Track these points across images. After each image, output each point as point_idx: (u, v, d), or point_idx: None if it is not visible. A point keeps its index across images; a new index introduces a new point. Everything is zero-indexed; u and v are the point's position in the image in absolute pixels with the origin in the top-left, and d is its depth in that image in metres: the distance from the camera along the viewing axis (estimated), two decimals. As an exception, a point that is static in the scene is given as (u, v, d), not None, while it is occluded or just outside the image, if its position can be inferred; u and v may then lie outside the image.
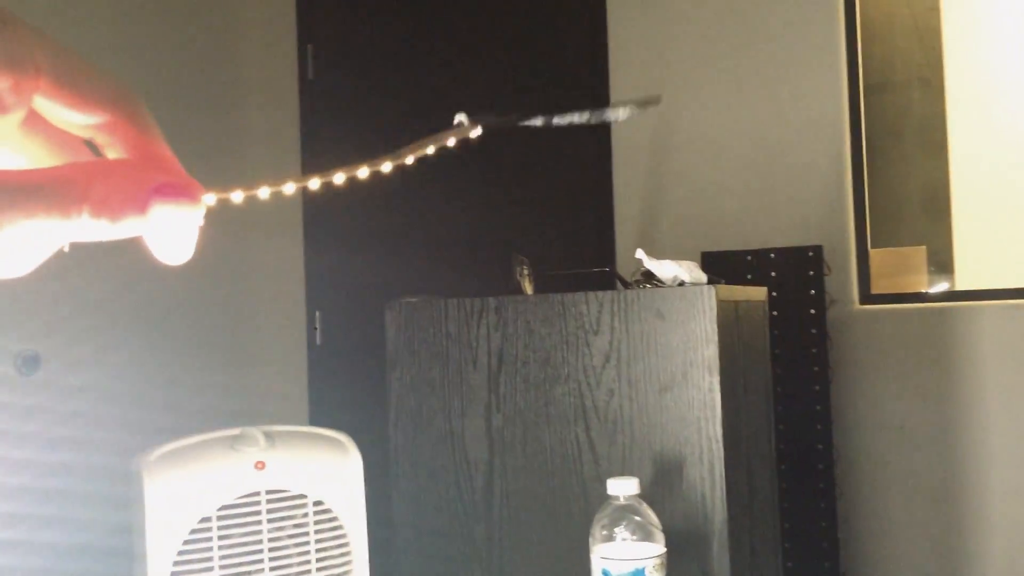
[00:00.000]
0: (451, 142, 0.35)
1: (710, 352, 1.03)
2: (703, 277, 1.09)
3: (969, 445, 1.40)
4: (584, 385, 1.11)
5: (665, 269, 1.11)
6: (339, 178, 0.30)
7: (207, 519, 0.99)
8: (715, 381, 1.03)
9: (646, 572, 0.93)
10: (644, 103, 0.39)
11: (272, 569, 1.02)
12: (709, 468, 1.03)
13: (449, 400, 1.20)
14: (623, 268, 1.32)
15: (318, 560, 1.05)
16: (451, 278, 1.22)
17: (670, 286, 1.09)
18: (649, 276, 1.15)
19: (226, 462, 1.02)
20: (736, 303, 1.11)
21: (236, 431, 1.06)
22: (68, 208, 0.25)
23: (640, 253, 1.11)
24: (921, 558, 1.43)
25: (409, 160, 0.34)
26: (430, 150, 0.36)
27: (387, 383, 1.24)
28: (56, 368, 1.20)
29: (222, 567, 0.99)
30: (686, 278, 1.10)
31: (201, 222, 0.26)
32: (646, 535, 0.94)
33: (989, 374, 1.38)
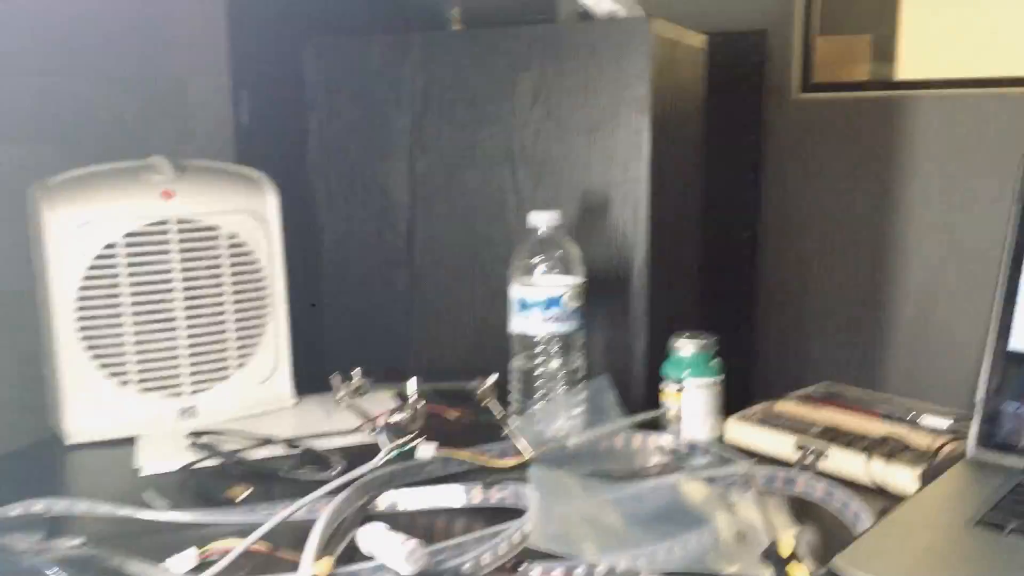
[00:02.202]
0: None
1: (642, 90, 1.00)
2: (641, 12, 1.04)
3: (890, 234, 1.43)
4: (511, 126, 1.07)
5: (601, 5, 1.05)
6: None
7: (112, 245, 0.95)
8: (644, 121, 1.00)
9: (562, 300, 0.93)
10: None
11: (186, 299, 0.99)
12: (633, 209, 1.02)
13: (372, 142, 1.15)
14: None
15: (235, 295, 1.02)
16: (375, 15, 1.14)
17: (605, 21, 1.04)
18: (586, 17, 1.09)
19: (131, 190, 0.97)
20: (673, 44, 1.06)
21: (142, 161, 1.00)
22: None
23: (575, -17, 1.05)
24: (836, 338, 1.49)
25: None
26: None
27: (308, 126, 1.18)
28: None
29: (133, 295, 0.96)
30: (623, 14, 1.04)
31: None
32: (566, 267, 0.94)
33: (920, 163, 1.38)
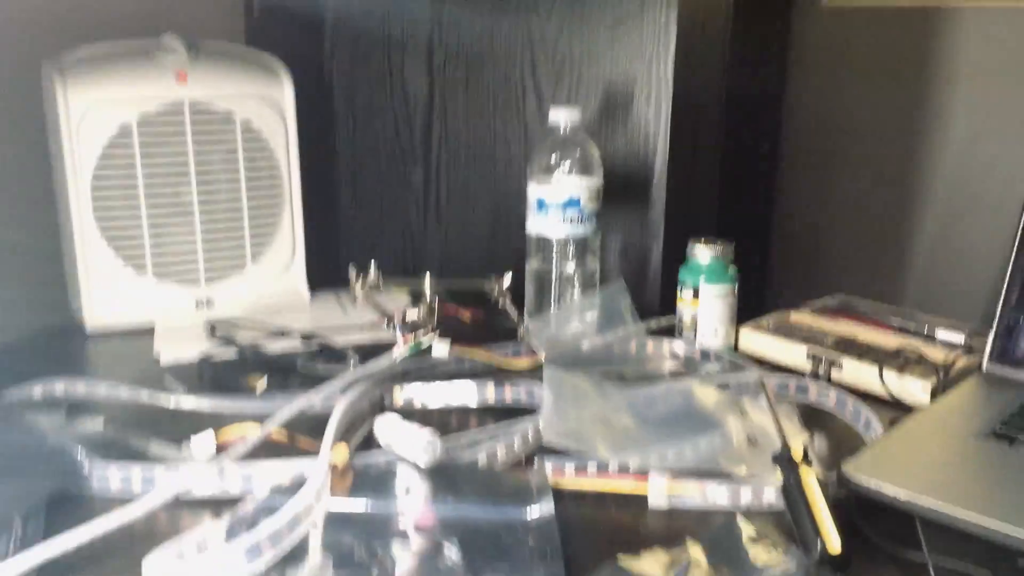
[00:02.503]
0: None
1: (671, -16, 0.96)
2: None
3: (916, 150, 1.39)
4: (533, 18, 1.04)
5: None
6: None
7: (126, 127, 0.93)
8: (672, 16, 0.97)
9: (581, 202, 0.92)
10: None
11: (200, 186, 0.99)
12: (656, 109, 0.99)
13: (389, 32, 1.12)
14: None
15: (249, 184, 1.01)
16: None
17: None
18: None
19: (145, 70, 0.95)
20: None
21: (155, 39, 0.97)
22: None
23: None
24: (855, 253, 1.47)
25: None
26: None
27: (323, 16, 1.14)
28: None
29: (147, 181, 0.95)
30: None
31: None
32: (584, 168, 0.92)
33: (953, 77, 1.33)
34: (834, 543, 0.53)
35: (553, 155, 0.92)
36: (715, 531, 0.55)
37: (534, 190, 0.92)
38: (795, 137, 1.46)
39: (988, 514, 0.55)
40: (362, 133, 1.17)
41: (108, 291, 0.96)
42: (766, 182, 1.45)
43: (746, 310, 0.94)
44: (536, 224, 0.93)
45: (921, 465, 0.62)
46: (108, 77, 0.94)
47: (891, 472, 0.60)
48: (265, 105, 1.01)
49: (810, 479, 0.58)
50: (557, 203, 0.91)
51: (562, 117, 0.92)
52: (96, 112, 0.92)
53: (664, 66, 0.98)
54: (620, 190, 1.01)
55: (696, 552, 0.52)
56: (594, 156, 0.93)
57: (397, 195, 1.17)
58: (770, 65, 1.57)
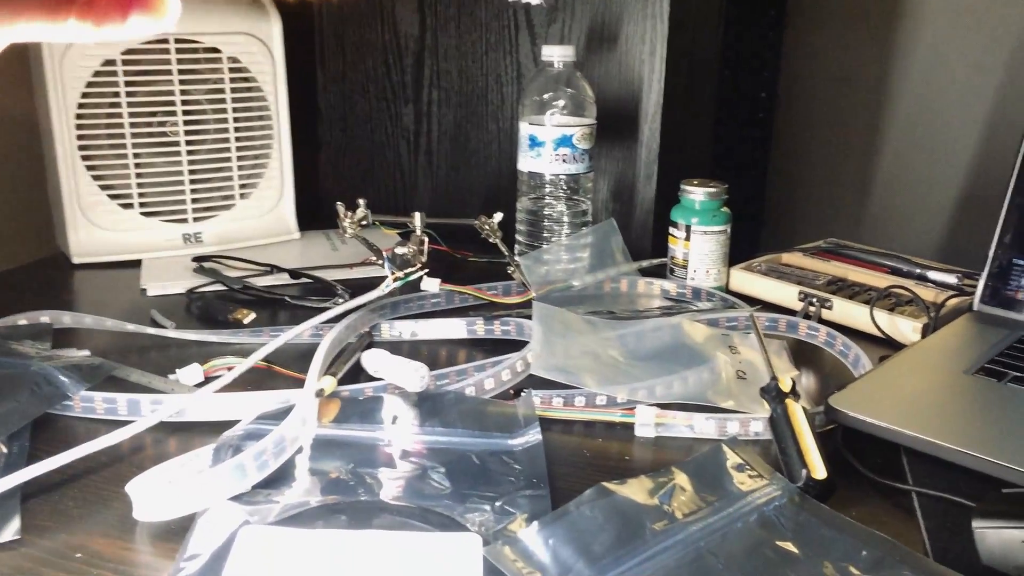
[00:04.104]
0: None
1: (668, -83, 0.94)
2: None
3: (911, 104, 1.38)
4: (527, -46, 1.01)
5: None
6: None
7: (110, 62, 0.92)
8: (669, -48, 0.95)
9: (573, 140, 0.91)
10: None
11: (188, 124, 0.97)
12: (651, 48, 0.98)
13: (379, -32, 1.09)
14: None
15: (237, 122, 1.00)
16: None
17: None
18: None
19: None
20: None
21: (138, -27, 0.95)
22: (57, 11, 0.25)
23: None
24: (845, 201, 1.47)
25: None
26: None
27: (311, -53, 1.12)
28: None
29: (133, 117, 0.94)
30: None
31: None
32: (577, 106, 0.91)
33: (946, 30, 1.31)
34: (819, 470, 0.53)
35: (546, 93, 0.90)
36: (700, 459, 0.55)
37: (526, 128, 0.91)
38: (791, 87, 1.44)
39: (973, 445, 0.55)
40: (352, 71, 1.15)
41: (94, 225, 0.95)
42: (763, 128, 1.44)
43: (740, 255, 0.94)
44: (528, 162, 0.92)
45: (908, 398, 0.62)
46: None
47: (878, 405, 0.60)
48: (253, 42, 0.99)
49: (797, 410, 0.58)
50: (549, 141, 0.90)
51: (556, 55, 0.90)
52: (79, 46, 0.91)
53: (660, 3, 0.96)
54: (614, 130, 1.00)
55: (681, 478, 0.52)
56: (587, 94, 0.91)
57: (388, 134, 1.15)
58: (768, 11, 1.54)
